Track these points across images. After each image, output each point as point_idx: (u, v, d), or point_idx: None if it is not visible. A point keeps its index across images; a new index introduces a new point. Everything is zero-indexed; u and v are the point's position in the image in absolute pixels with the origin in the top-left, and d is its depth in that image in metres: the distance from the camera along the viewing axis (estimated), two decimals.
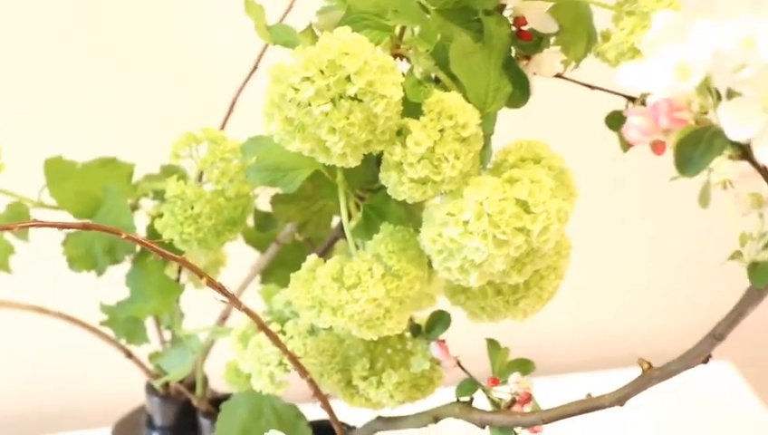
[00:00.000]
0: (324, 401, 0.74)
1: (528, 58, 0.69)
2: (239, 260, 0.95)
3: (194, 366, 0.93)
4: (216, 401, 0.91)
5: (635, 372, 0.64)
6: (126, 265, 0.87)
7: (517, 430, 0.69)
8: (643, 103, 0.59)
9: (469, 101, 0.64)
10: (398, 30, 0.65)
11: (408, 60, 0.66)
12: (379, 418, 0.78)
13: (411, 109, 0.63)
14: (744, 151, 0.48)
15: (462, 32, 0.65)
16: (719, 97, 0.47)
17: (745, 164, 0.48)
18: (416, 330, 0.77)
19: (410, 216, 0.72)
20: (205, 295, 0.84)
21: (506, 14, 0.68)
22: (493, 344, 0.74)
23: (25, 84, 1.18)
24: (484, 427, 0.71)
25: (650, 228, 1.41)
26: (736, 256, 0.56)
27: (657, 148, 0.49)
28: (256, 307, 0.76)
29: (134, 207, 0.87)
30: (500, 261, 0.62)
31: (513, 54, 0.68)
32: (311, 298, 0.67)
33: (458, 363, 0.74)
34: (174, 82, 1.19)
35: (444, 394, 0.76)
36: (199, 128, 0.78)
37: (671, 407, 1.30)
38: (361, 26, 0.63)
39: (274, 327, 0.74)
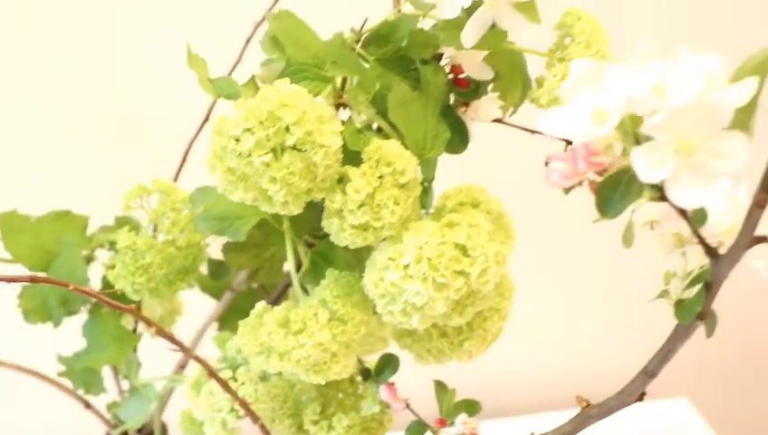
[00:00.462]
0: None
1: (467, 105, 0.71)
2: (200, 308, 0.96)
3: (152, 415, 0.94)
4: None
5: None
6: (83, 316, 0.88)
7: None
8: None
9: (408, 148, 0.66)
10: (339, 80, 0.67)
11: (352, 108, 0.68)
12: None
13: (352, 157, 0.65)
14: (662, 193, 0.49)
15: (400, 81, 0.67)
16: (638, 141, 0.49)
17: (667, 205, 0.50)
18: (366, 373, 0.78)
19: (358, 261, 0.74)
20: (163, 344, 0.85)
21: (444, 62, 0.70)
22: (440, 386, 0.75)
23: None
24: None
25: (593, 271, 1.43)
26: (664, 294, 0.58)
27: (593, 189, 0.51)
28: (214, 355, 0.77)
29: (89, 259, 0.88)
30: (441, 304, 0.64)
31: (451, 102, 0.70)
32: (258, 344, 0.68)
33: (407, 406, 0.75)
34: (129, 134, 1.21)
35: None
36: (151, 179, 0.79)
37: None
38: (301, 77, 0.64)
39: (227, 374, 0.75)
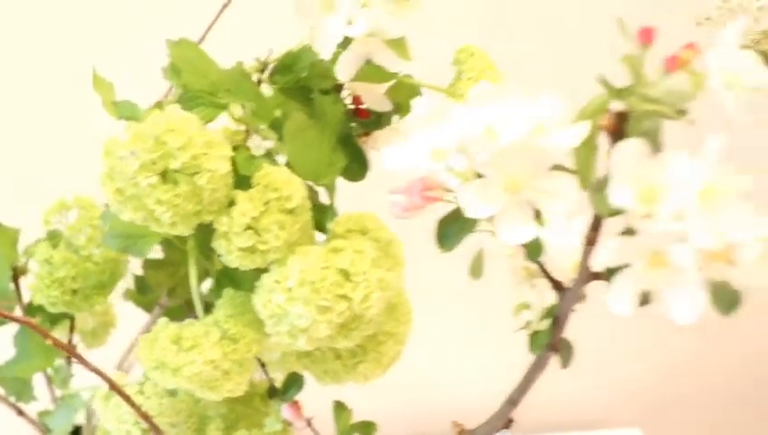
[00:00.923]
0: None
1: (368, 134, 0.73)
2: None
3: (84, 424, 0.96)
4: None
5: None
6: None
7: None
8: None
9: (302, 175, 0.68)
10: (239, 109, 0.69)
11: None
12: None
13: (247, 181, 0.67)
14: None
15: (299, 109, 0.69)
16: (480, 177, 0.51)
17: None
18: (273, 391, 0.80)
19: None
20: (103, 355, 0.88)
21: (345, 93, 0.72)
22: (338, 406, 0.77)
23: None
24: None
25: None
26: (527, 325, 0.60)
27: None
28: None
29: (23, 272, 0.90)
30: (324, 326, 0.66)
31: (352, 131, 0.72)
32: (154, 359, 0.70)
33: (309, 424, 0.77)
34: (73, 149, 1.23)
35: None
36: (73, 195, 0.82)
37: None
38: (195, 104, 0.67)
39: (135, 387, 0.77)
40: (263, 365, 0.82)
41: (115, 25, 1.21)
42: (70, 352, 0.70)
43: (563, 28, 1.16)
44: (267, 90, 0.72)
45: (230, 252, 0.67)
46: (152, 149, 0.62)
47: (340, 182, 0.73)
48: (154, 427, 0.75)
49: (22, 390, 0.94)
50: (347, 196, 0.73)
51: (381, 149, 0.73)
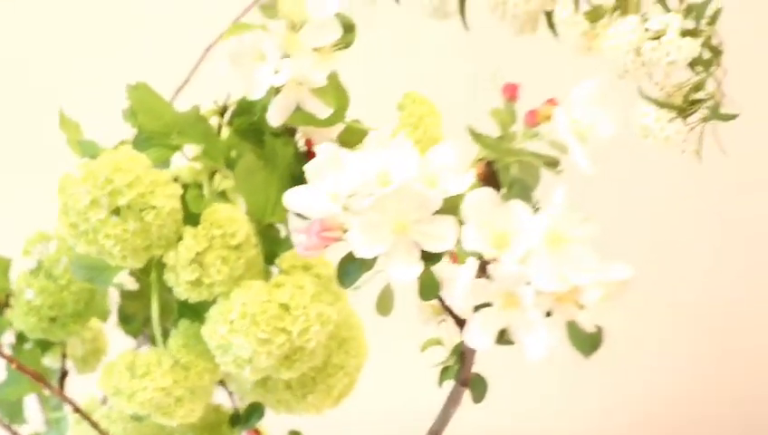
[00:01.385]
0: None
1: None
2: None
3: None
4: None
5: None
6: None
7: None
8: None
9: (250, 214, 0.72)
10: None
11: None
12: None
13: (197, 218, 0.71)
14: None
15: (251, 150, 0.73)
16: None
17: None
18: (236, 419, 0.83)
19: None
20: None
21: (299, 134, 0.76)
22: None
23: None
24: None
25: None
26: (447, 360, 0.63)
27: None
28: None
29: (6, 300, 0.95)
30: (264, 357, 0.69)
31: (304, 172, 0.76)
32: (112, 386, 0.74)
33: None
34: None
35: None
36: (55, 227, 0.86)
37: None
38: (149, 145, 0.71)
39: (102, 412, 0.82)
40: (230, 393, 0.86)
41: (97, 67, 1.26)
42: (36, 377, 0.74)
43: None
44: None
45: (178, 284, 0.71)
46: (101, 187, 0.67)
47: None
48: None
49: (14, 412, 0.99)
50: None
51: None
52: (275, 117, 0.65)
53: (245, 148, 0.74)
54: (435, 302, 0.59)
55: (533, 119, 0.47)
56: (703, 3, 0.62)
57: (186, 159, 0.74)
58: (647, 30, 0.63)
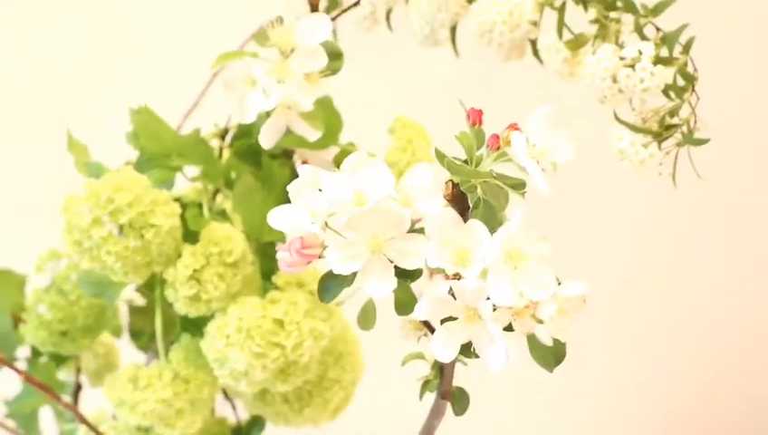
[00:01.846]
0: None
1: None
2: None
3: None
4: None
5: None
6: None
7: None
8: None
9: (247, 233, 0.75)
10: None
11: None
12: None
13: (197, 236, 0.74)
14: None
15: (250, 172, 0.76)
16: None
17: None
18: (237, 431, 0.86)
19: None
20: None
21: (296, 156, 0.79)
22: None
23: None
24: None
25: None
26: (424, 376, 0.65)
27: None
28: None
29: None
30: (259, 371, 0.72)
31: None
32: (116, 397, 0.78)
33: None
34: None
35: None
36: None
37: None
38: (150, 166, 0.74)
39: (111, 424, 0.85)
40: (233, 406, 0.89)
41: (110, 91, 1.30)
42: (45, 390, 0.77)
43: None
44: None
45: (177, 300, 0.74)
46: (103, 206, 0.70)
47: None
48: None
49: (30, 424, 1.02)
50: None
51: None
52: (266, 140, 0.68)
53: (244, 169, 0.77)
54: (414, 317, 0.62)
55: (496, 143, 0.50)
56: (675, 31, 0.65)
57: (186, 180, 0.77)
58: (622, 58, 0.66)
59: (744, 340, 1.37)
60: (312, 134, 0.68)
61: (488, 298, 0.48)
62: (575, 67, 0.69)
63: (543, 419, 1.43)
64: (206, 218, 0.74)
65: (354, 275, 0.57)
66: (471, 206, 0.53)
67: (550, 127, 0.49)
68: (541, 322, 0.48)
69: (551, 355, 0.51)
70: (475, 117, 0.51)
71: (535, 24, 0.72)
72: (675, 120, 0.65)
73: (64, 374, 1.02)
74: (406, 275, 0.56)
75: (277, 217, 0.58)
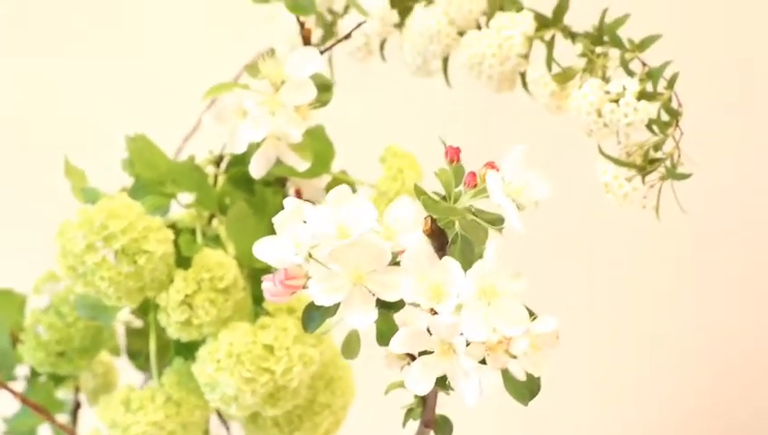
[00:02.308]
0: None
1: None
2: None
3: None
4: None
5: None
6: None
7: None
8: None
9: (239, 259, 0.76)
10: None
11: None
12: None
13: (190, 262, 0.75)
14: None
15: (243, 198, 0.78)
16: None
17: None
18: None
19: None
20: None
21: (289, 184, 0.80)
22: None
23: None
24: None
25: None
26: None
27: None
28: None
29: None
30: (249, 395, 0.73)
31: None
32: (109, 419, 0.79)
33: None
34: None
35: None
36: None
37: None
38: (145, 192, 0.75)
39: None
40: (227, 428, 0.90)
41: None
42: (38, 410, 0.78)
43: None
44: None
45: (169, 325, 0.75)
46: (97, 232, 0.71)
47: None
48: None
49: None
50: None
51: None
52: (256, 170, 0.69)
53: (238, 196, 0.78)
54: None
55: (473, 180, 0.51)
56: (659, 67, 0.66)
57: (180, 207, 0.78)
58: (607, 92, 0.67)
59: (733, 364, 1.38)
60: (302, 165, 0.69)
61: (462, 333, 0.49)
62: (562, 101, 0.70)
63: None
64: (198, 244, 0.76)
65: (337, 305, 0.58)
66: (450, 240, 0.54)
67: (526, 165, 0.50)
68: (514, 357, 0.49)
69: (525, 389, 0.52)
70: (453, 154, 0.52)
71: (525, 56, 0.73)
72: (659, 155, 0.66)
73: (63, 393, 1.03)
74: (387, 307, 0.56)
75: (262, 249, 0.59)
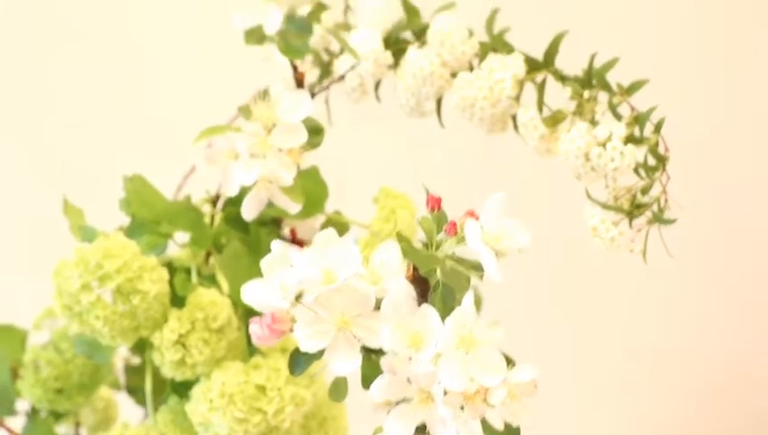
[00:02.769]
0: None
1: None
2: None
3: None
4: None
5: None
6: None
7: None
8: None
9: (234, 298, 0.76)
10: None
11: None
12: None
13: (184, 301, 0.76)
14: None
15: (238, 238, 0.78)
16: None
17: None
18: None
19: None
20: None
21: (284, 223, 0.80)
22: None
23: None
24: None
25: None
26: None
27: None
28: None
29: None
30: None
31: None
32: None
33: None
34: None
35: None
36: None
37: None
38: (141, 232, 0.76)
39: None
40: None
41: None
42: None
43: None
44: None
45: (163, 364, 0.76)
46: (92, 271, 0.72)
47: None
48: None
49: None
50: None
51: None
52: (248, 212, 0.70)
53: (233, 235, 0.79)
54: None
55: (453, 229, 0.51)
56: (646, 112, 0.66)
57: (176, 246, 0.79)
58: (594, 136, 0.67)
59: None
60: (293, 207, 0.70)
61: (440, 382, 0.49)
62: (552, 144, 0.71)
63: None
64: (193, 284, 0.76)
65: (323, 351, 0.58)
66: (432, 287, 0.54)
67: (503, 214, 0.51)
68: (492, 406, 0.50)
69: None
70: (434, 203, 0.52)
71: (516, 99, 0.73)
72: (646, 199, 0.67)
73: (64, 428, 1.04)
74: (372, 351, 0.57)
75: (250, 292, 0.60)
